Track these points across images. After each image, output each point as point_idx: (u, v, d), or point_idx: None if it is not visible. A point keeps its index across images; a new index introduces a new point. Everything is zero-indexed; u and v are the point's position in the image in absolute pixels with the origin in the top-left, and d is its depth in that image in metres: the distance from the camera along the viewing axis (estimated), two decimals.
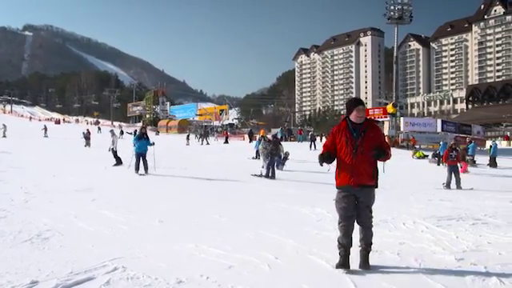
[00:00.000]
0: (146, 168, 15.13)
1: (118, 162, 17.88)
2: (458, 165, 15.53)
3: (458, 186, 14.77)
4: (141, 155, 15.18)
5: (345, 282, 4.29)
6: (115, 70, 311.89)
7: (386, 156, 4.64)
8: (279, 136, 41.85)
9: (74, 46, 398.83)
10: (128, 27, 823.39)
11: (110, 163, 17.78)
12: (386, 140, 6.51)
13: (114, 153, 18.45)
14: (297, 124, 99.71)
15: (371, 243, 4.69)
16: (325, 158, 4.70)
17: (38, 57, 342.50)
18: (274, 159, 16.18)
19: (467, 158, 23.52)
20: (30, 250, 5.37)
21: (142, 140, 15.42)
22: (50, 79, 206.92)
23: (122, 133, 51.61)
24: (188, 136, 44.56)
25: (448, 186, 14.87)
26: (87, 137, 32.70)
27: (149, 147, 15.49)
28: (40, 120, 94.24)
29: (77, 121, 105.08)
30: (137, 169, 15.05)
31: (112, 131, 20.49)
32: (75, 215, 7.66)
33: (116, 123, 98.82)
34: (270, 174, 15.72)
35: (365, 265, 4.61)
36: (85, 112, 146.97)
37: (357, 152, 4.54)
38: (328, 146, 4.77)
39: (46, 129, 46.05)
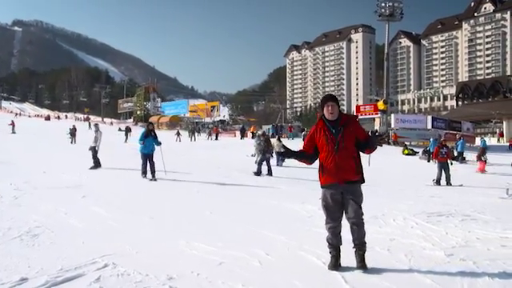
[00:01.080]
0: (153, 171, 13.03)
1: (96, 164, 15.32)
2: (449, 161, 15.63)
3: (448, 183, 14.88)
4: (148, 156, 13.12)
5: (335, 278, 4.31)
6: (106, 66, 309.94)
7: (374, 147, 4.68)
8: (270, 132, 42.03)
9: (64, 42, 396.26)
10: (118, 23, 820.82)
11: (88, 165, 15.12)
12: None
13: (95, 153, 15.46)
14: (288, 120, 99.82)
15: (365, 242, 4.61)
16: (298, 155, 4.76)
17: (27, 52, 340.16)
18: (266, 156, 16.17)
19: (483, 157, 22.70)
20: (19, 246, 5.34)
21: (148, 138, 13.26)
22: (39, 75, 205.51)
23: (129, 130, 50.29)
24: (178, 132, 44.11)
25: (438, 182, 14.98)
26: (73, 133, 31.97)
27: (156, 147, 13.48)
28: (30, 116, 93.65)
29: (66, 117, 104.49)
30: (144, 172, 13.06)
31: (96, 125, 17.10)
32: (65, 212, 7.62)
33: (107, 119, 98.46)
34: (261, 171, 15.70)
35: (362, 265, 4.51)
36: (75, 108, 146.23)
37: (339, 148, 4.47)
38: (304, 147, 4.75)
39: (13, 124, 42.42)
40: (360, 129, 4.71)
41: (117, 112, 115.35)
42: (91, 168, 15.05)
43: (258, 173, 15.60)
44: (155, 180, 12.82)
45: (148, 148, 13.19)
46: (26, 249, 5.25)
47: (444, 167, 15.16)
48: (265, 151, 16.24)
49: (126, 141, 36.32)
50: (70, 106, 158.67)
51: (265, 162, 16.07)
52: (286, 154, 4.76)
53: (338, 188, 4.52)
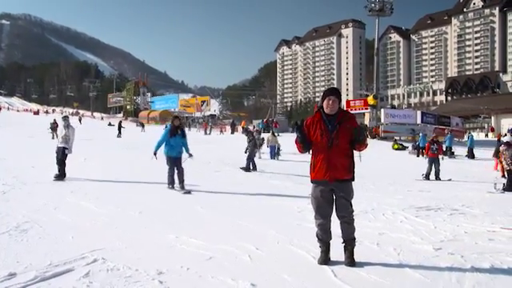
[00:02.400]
0: (181, 180, 9.97)
1: (61, 173, 11.21)
2: (440, 157, 15.70)
3: (437, 178, 14.98)
4: (175, 161, 10.05)
5: (325, 271, 4.32)
6: (95, 60, 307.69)
7: (363, 142, 4.52)
8: (261, 127, 42.03)
9: (53, 36, 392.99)
10: (108, 17, 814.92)
11: (58, 168, 11.34)
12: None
13: (63, 156, 11.32)
14: (277, 115, 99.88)
15: (354, 238, 4.59)
16: (303, 136, 4.53)
17: (15, 46, 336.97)
18: (254, 151, 16.04)
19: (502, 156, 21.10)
20: (7, 241, 5.29)
21: (175, 137, 10.12)
22: (28, 69, 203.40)
23: (142, 125, 52.15)
24: (166, 126, 43.86)
25: (427, 177, 15.08)
26: (53, 127, 30.76)
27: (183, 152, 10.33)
28: (18, 111, 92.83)
29: (53, 111, 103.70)
30: (171, 182, 10.14)
31: (66, 119, 12.25)
32: (54, 207, 7.57)
33: (97, 114, 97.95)
34: (250, 167, 15.62)
35: (350, 261, 4.49)
36: (64, 103, 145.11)
37: (332, 145, 4.40)
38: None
39: None
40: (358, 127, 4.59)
41: (106, 106, 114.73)
42: (56, 178, 11.02)
43: (248, 168, 15.53)
44: (188, 192, 9.76)
45: (175, 150, 10.12)
46: (14, 244, 5.20)
47: (434, 162, 15.25)
48: (253, 146, 16.14)
49: (118, 135, 36.20)
50: (59, 100, 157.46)
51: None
52: (299, 127, 4.56)
53: (327, 185, 4.48)
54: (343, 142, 4.44)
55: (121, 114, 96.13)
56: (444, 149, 25.39)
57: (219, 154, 21.96)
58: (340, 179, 4.45)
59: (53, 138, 29.23)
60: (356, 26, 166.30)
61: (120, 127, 38.72)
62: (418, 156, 25.89)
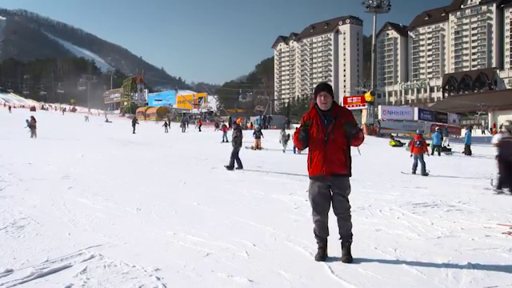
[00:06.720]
0: None
1: None
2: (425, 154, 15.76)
3: (424, 173, 15.02)
4: None
5: (322, 268, 4.34)
6: (92, 56, 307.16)
7: (357, 136, 4.46)
8: (258, 124, 42.03)
9: (50, 32, 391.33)
10: (105, 13, 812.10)
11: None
12: (363, 128, 6.48)
13: None
14: (276, 112, 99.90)
15: (351, 234, 4.60)
16: (305, 134, 4.50)
17: (12, 42, 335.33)
18: (238, 148, 14.82)
19: None
20: (4, 238, 5.29)
21: None
22: (24, 65, 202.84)
23: (185, 125, 45.05)
24: (165, 123, 43.92)
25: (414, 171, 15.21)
26: (32, 125, 27.78)
27: None
28: (14, 107, 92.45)
29: (42, 107, 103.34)
30: None
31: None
32: (51, 203, 7.56)
33: (94, 110, 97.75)
34: (234, 165, 14.50)
35: (347, 257, 4.50)
36: (61, 99, 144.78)
37: (328, 140, 4.42)
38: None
39: None
40: (352, 121, 4.58)
41: (103, 103, 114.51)
42: None
43: (231, 166, 14.37)
44: None
45: None
46: (11, 240, 5.20)
47: (419, 158, 15.34)
48: (238, 143, 15.01)
49: (133, 132, 36.19)
50: (56, 96, 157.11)
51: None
52: (305, 128, 4.52)
53: (324, 180, 4.49)
54: (339, 137, 4.46)
55: (118, 111, 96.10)
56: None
57: (216, 150, 21.96)
58: (336, 174, 4.47)
59: (31, 136, 26.88)
60: (353, 22, 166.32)
61: (134, 123, 38.55)
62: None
